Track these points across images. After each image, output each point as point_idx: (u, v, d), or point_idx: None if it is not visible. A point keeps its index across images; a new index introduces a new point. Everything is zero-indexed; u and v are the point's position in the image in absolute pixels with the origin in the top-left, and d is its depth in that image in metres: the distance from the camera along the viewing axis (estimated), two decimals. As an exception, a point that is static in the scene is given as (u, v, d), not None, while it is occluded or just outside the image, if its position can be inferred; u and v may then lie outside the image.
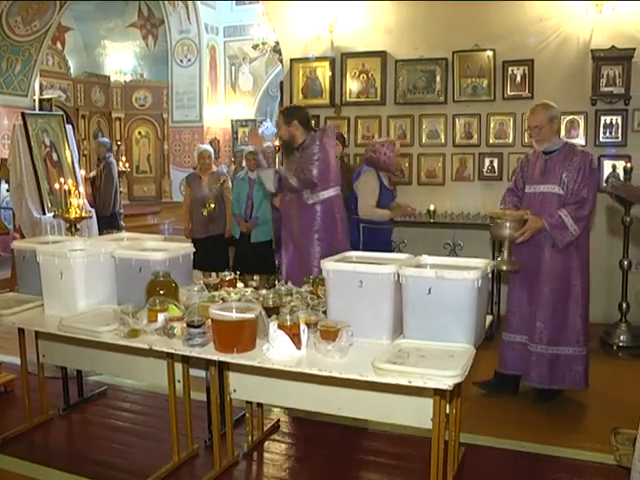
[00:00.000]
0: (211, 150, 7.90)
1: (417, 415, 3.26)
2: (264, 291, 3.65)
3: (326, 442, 4.14)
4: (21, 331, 4.36)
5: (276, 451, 4.07)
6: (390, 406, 3.33)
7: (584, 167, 4.54)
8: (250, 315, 2.98)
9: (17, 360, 4.93)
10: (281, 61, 8.55)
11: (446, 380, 2.63)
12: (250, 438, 4.10)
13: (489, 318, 3.54)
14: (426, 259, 3.46)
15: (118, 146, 14.32)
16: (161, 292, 3.42)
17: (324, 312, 3.26)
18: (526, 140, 6.81)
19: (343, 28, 7.43)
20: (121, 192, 11.20)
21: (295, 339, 2.90)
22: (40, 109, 11.97)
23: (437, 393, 2.99)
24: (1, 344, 5.29)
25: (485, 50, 6.89)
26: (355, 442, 4.14)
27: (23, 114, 8.24)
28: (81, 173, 8.27)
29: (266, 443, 4.17)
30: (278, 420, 4.41)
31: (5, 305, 4.00)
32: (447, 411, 3.24)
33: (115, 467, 3.89)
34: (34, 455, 4.08)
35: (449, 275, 3.02)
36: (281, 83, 8.16)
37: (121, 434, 4.40)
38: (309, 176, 4.75)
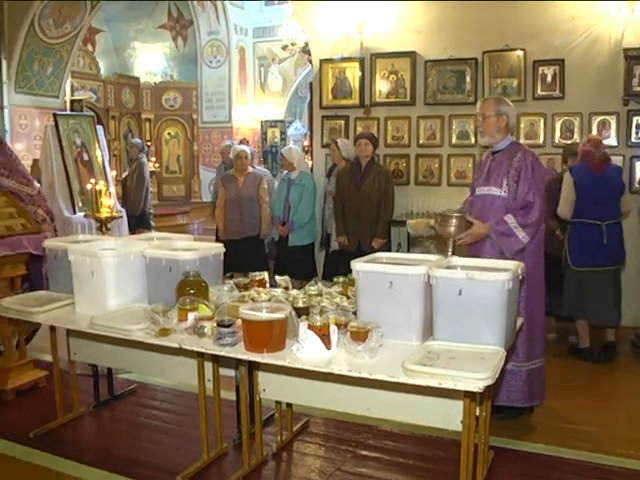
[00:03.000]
0: (248, 150, 7.84)
1: (446, 417, 3.24)
2: (294, 291, 3.66)
3: (354, 443, 4.13)
4: (52, 329, 4.41)
5: (305, 451, 4.08)
6: (419, 408, 3.32)
7: (525, 168, 4.21)
8: (280, 315, 2.98)
9: (48, 357, 5.01)
10: (310, 62, 8.56)
11: (477, 382, 2.61)
12: (279, 438, 4.10)
13: (519, 320, 3.52)
14: (457, 260, 3.45)
15: (148, 147, 14.41)
16: (191, 291, 3.44)
17: (354, 313, 3.26)
18: (556, 140, 6.75)
19: (372, 28, 7.42)
20: (151, 192, 11.30)
21: (325, 339, 2.90)
22: (71, 110, 12.11)
23: (467, 395, 2.99)
24: (33, 342, 5.34)
25: (515, 50, 6.84)
26: (383, 443, 4.13)
27: (55, 115, 8.33)
28: (112, 174, 8.33)
29: (295, 443, 4.17)
30: (307, 420, 4.41)
31: (37, 303, 4.06)
32: (477, 413, 3.22)
33: (144, 464, 3.93)
34: (64, 450, 4.13)
35: (480, 277, 3.00)
36: (310, 84, 8.15)
37: (150, 432, 4.44)
38: None
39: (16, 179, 5.32)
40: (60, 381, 4.53)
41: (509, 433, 4.16)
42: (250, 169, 7.70)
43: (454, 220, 4.24)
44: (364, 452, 4.02)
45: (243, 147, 8.16)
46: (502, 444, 4.01)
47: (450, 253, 4.16)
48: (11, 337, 5.07)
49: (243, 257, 6.95)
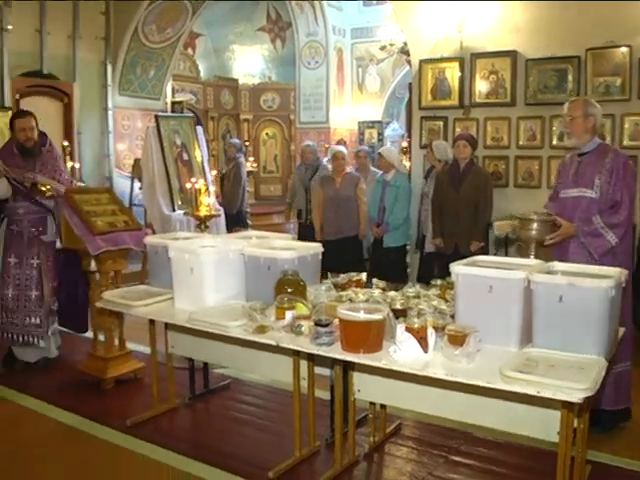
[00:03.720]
0: (345, 151, 7.83)
1: (543, 427, 3.17)
2: (392, 293, 3.64)
3: (447, 448, 4.09)
4: (152, 322, 4.55)
5: (397, 454, 4.06)
6: (515, 416, 3.25)
7: (617, 169, 4.17)
8: (378, 316, 2.98)
9: (146, 349, 5.18)
10: (409, 62, 8.51)
11: (576, 393, 2.54)
12: (372, 439, 4.11)
13: (621, 330, 3.39)
14: (558, 265, 3.36)
15: (246, 147, 14.63)
16: (289, 290, 3.48)
17: (451, 316, 3.22)
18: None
19: (472, 28, 7.30)
20: (248, 191, 11.47)
21: (422, 342, 2.89)
22: (172, 111, 12.42)
23: (565, 406, 2.91)
24: (131, 334, 5.52)
25: (620, 46, 6.58)
26: (476, 450, 4.07)
27: (156, 116, 8.57)
28: (212, 173, 8.51)
29: (387, 445, 4.16)
30: (400, 423, 4.40)
31: (137, 297, 4.20)
32: (574, 425, 3.12)
33: (236, 457, 4.00)
34: (159, 439, 4.27)
35: (581, 283, 2.91)
36: (409, 84, 8.10)
37: (243, 426, 4.51)
38: None
39: (66, 183, 5.60)
40: (157, 373, 4.68)
41: (606, 447, 4.02)
42: (347, 169, 7.69)
43: (535, 224, 4.20)
44: (456, 458, 3.98)
45: (340, 148, 8.16)
46: (600, 459, 3.88)
47: (532, 256, 4.14)
48: (112, 329, 5.25)
49: (339, 257, 6.96)
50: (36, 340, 5.51)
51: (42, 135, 5.69)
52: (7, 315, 5.46)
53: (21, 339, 5.47)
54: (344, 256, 6.97)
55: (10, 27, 9.55)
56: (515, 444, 4.04)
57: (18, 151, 5.51)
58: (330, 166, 7.91)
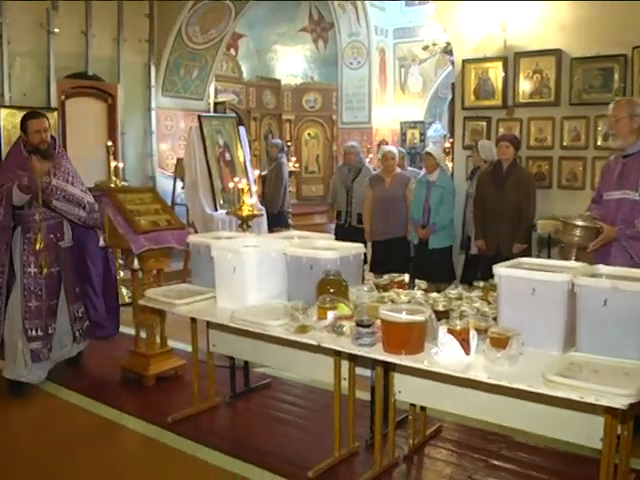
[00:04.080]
0: (395, 151, 7.76)
1: (586, 433, 3.12)
2: (434, 294, 3.63)
3: (487, 452, 4.05)
4: (193, 320, 4.60)
5: (436, 457, 4.04)
6: (557, 421, 3.21)
7: None
8: (420, 317, 2.97)
9: (187, 347, 5.25)
10: (452, 62, 8.46)
11: (620, 399, 2.50)
12: (411, 441, 4.09)
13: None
14: (602, 268, 3.31)
15: (288, 147, 14.70)
16: (331, 290, 3.48)
17: (494, 319, 3.19)
18: None
19: (516, 26, 7.21)
20: (290, 191, 11.51)
21: (464, 344, 2.87)
22: (214, 112, 12.50)
23: (609, 412, 2.87)
24: (173, 332, 5.58)
25: (668, 45, 6.46)
26: (517, 455, 4.02)
27: (199, 116, 8.66)
28: (255, 173, 8.56)
29: (427, 447, 4.14)
30: (440, 425, 4.37)
31: (179, 295, 4.25)
32: (618, 432, 3.08)
33: (275, 456, 4.01)
34: (199, 436, 4.30)
35: (626, 286, 2.86)
36: (452, 84, 8.04)
37: (283, 426, 4.54)
38: None
39: (78, 187, 5.36)
40: (198, 371, 4.71)
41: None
42: (398, 170, 7.64)
43: (579, 230, 4.13)
44: (497, 462, 3.93)
45: (390, 147, 8.11)
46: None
47: (573, 259, 4.07)
48: (153, 326, 5.31)
49: (388, 258, 6.94)
50: (67, 347, 5.42)
51: (52, 138, 5.34)
52: (32, 329, 5.11)
53: (40, 352, 5.15)
54: (392, 257, 6.95)
55: (57, 30, 9.73)
56: (556, 449, 3.98)
57: (29, 154, 5.11)
58: (371, 167, 7.86)
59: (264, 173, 10.94)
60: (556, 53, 7.02)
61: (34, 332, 5.11)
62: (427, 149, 7.81)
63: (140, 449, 4.27)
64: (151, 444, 4.26)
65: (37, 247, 5.12)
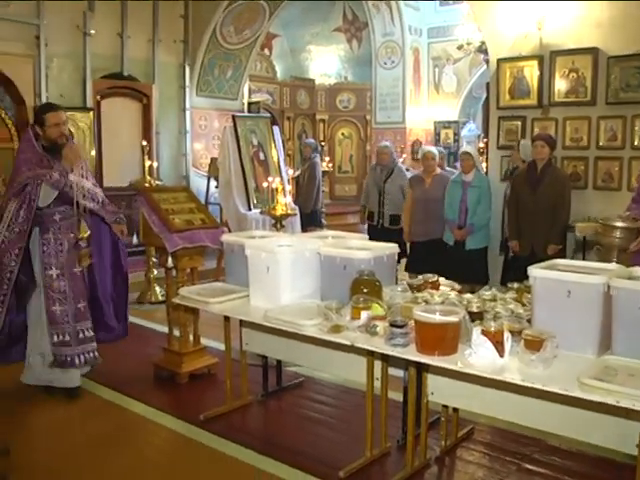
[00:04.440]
0: (435, 151, 7.68)
1: (621, 439, 3.09)
2: (468, 295, 3.61)
3: (520, 455, 4.00)
4: (227, 319, 4.62)
5: (468, 459, 4.01)
6: (591, 425, 3.17)
7: None
8: (454, 318, 2.96)
9: (220, 345, 5.28)
10: (486, 61, 8.40)
11: (657, 404, 2.46)
12: (443, 442, 4.07)
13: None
14: (639, 271, 3.26)
15: (322, 146, 14.72)
16: (365, 290, 3.48)
17: (528, 321, 3.16)
18: None
19: (552, 25, 7.13)
20: (323, 191, 11.52)
21: (498, 346, 2.85)
22: (248, 111, 12.59)
23: (644, 417, 2.83)
24: (206, 330, 5.62)
25: None
26: (550, 459, 3.97)
27: (233, 116, 8.70)
28: (289, 172, 8.58)
29: (458, 449, 4.12)
30: (472, 427, 4.34)
31: (212, 294, 4.28)
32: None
33: (307, 455, 4.02)
34: (231, 434, 4.32)
35: (665, 290, 2.82)
36: (487, 84, 7.98)
37: (315, 425, 4.54)
38: None
39: (91, 181, 5.03)
40: (231, 369, 4.74)
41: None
42: (438, 170, 7.58)
43: (619, 231, 4.07)
44: (529, 466, 3.89)
45: (430, 147, 8.05)
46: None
47: (614, 261, 4.01)
48: (187, 324, 5.35)
49: (426, 259, 6.90)
50: (92, 356, 4.96)
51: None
52: (58, 335, 4.80)
53: (77, 360, 4.84)
54: (431, 258, 6.89)
55: (93, 32, 9.90)
56: (590, 454, 3.92)
57: (45, 150, 4.79)
58: (404, 167, 7.81)
59: (297, 174, 10.94)
60: (593, 51, 6.93)
61: (60, 337, 4.79)
62: (464, 149, 7.74)
63: (172, 446, 4.30)
64: (183, 441, 4.29)
65: (59, 247, 4.83)
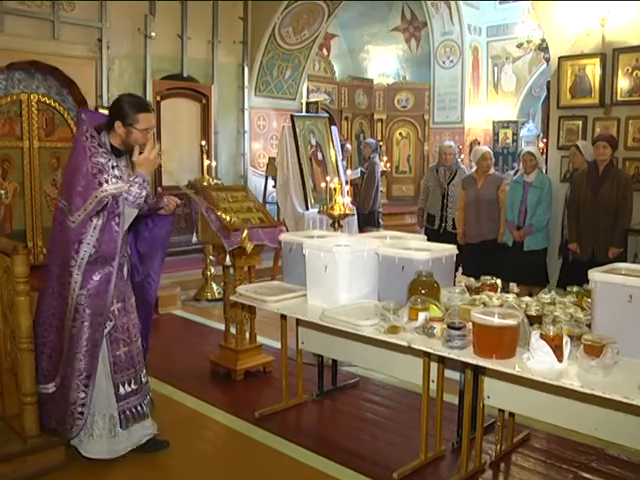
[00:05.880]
0: (491, 152, 7.61)
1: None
2: (527, 298, 3.56)
3: (577, 464, 3.92)
4: (283, 318, 4.64)
5: (523, 465, 3.94)
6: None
7: None
8: (512, 322, 2.92)
9: (275, 344, 5.34)
10: (547, 59, 8.27)
11: None
12: (498, 447, 4.02)
13: None
14: None
15: (380, 147, 14.68)
16: (423, 291, 3.47)
17: (588, 325, 3.11)
18: None
19: (615, 21, 6.98)
20: (381, 191, 11.48)
21: (557, 351, 2.80)
22: (307, 111, 12.65)
23: None
24: (262, 328, 5.66)
25: None
26: (608, 468, 3.86)
27: (292, 116, 8.73)
28: (348, 172, 8.58)
29: (514, 455, 4.05)
30: (529, 433, 4.27)
31: (270, 292, 4.32)
32: None
33: (361, 456, 4.01)
34: (286, 433, 4.35)
35: None
36: (548, 82, 7.85)
37: (369, 426, 4.52)
38: None
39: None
40: (286, 367, 4.76)
41: None
42: (492, 170, 7.49)
43: None
44: (586, 475, 3.79)
45: (486, 148, 7.96)
46: None
47: None
48: (244, 322, 5.39)
49: (480, 261, 6.83)
50: (146, 407, 3.93)
51: None
52: (124, 384, 3.79)
53: (135, 410, 3.83)
54: (485, 260, 6.82)
55: (154, 34, 10.07)
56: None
57: (115, 154, 3.71)
58: (465, 167, 7.71)
59: (357, 175, 10.89)
60: (658, 49, 6.76)
61: (126, 387, 3.80)
62: (528, 149, 7.60)
63: (227, 442, 4.34)
64: (238, 438, 4.33)
65: (119, 274, 3.77)
